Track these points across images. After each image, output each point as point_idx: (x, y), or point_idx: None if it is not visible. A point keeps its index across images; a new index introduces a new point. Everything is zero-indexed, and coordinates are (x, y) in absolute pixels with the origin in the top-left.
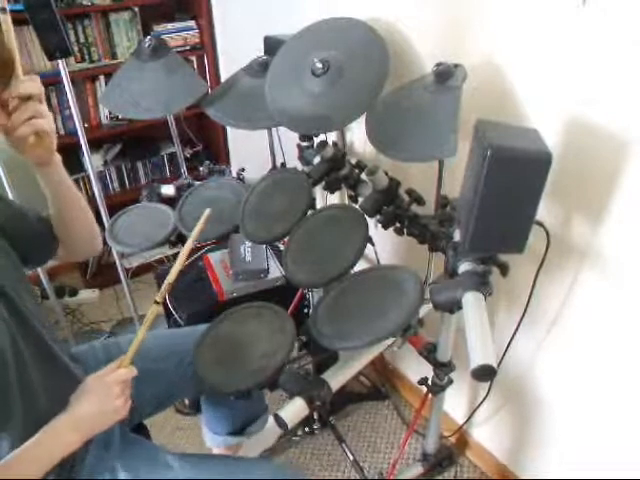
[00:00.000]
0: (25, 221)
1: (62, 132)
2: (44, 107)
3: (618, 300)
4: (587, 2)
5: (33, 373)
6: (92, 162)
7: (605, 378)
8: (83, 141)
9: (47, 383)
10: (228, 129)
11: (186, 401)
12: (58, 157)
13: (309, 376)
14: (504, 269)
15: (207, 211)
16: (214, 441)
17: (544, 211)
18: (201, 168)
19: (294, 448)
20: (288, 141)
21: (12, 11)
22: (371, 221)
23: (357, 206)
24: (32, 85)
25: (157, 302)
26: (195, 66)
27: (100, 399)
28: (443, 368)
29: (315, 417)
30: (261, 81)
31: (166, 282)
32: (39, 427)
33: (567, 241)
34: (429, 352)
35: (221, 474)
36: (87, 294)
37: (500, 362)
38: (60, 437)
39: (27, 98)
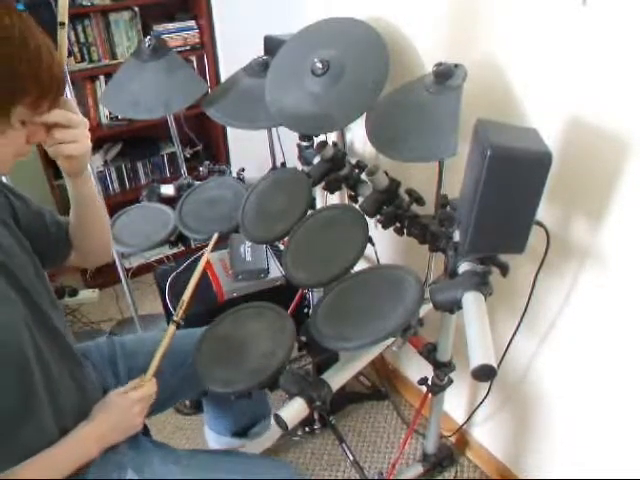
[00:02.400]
0: (42, 222)
1: None
2: (74, 132)
3: (618, 300)
4: (587, 2)
5: (52, 366)
6: (92, 162)
7: (605, 378)
8: None
9: (65, 376)
10: (228, 129)
11: (186, 401)
12: (89, 171)
13: (309, 376)
14: (504, 269)
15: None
16: (218, 442)
17: (544, 211)
18: (201, 168)
19: (294, 448)
20: (288, 141)
21: None
22: (371, 221)
23: (357, 206)
24: (57, 114)
25: (175, 322)
26: (195, 66)
27: (122, 416)
28: (443, 368)
29: (315, 417)
30: (261, 81)
31: (183, 300)
32: (61, 418)
33: (567, 241)
34: (429, 352)
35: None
36: (87, 294)
37: (500, 362)
38: (84, 447)
39: (54, 125)
